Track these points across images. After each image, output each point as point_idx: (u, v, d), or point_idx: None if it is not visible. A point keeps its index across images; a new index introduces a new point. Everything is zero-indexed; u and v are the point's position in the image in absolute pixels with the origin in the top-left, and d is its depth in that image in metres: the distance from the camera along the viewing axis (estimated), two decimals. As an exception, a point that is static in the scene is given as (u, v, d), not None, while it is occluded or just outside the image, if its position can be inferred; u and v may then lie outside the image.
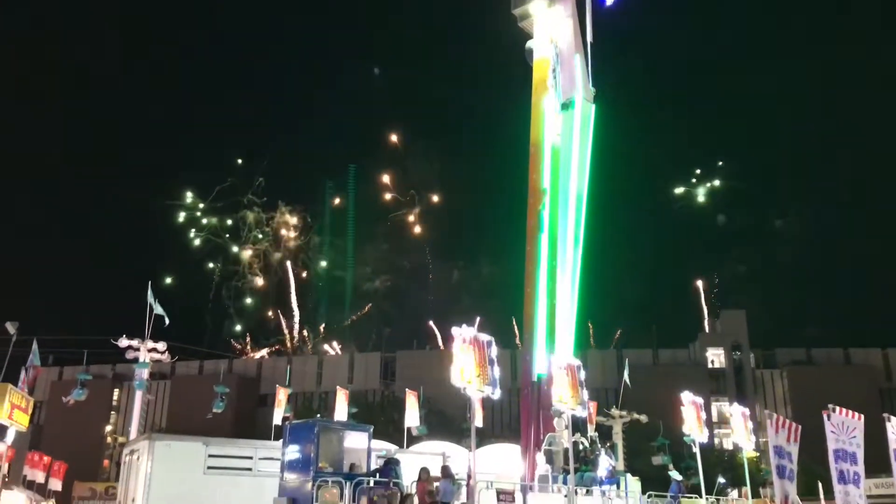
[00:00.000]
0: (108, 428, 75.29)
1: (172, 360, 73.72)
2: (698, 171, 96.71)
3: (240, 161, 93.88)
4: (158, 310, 35.83)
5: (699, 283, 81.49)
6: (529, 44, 25.50)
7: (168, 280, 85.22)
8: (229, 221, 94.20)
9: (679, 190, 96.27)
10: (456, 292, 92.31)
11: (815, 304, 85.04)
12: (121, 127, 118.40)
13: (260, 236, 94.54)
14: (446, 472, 16.10)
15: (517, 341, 63.64)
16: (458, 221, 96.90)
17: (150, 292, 37.19)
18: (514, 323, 65.02)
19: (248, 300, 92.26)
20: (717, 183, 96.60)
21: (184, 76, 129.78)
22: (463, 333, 15.07)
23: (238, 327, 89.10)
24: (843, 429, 17.75)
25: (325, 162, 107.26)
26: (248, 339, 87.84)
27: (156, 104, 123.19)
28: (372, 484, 15.63)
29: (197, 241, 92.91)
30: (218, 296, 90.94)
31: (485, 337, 15.41)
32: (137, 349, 36.79)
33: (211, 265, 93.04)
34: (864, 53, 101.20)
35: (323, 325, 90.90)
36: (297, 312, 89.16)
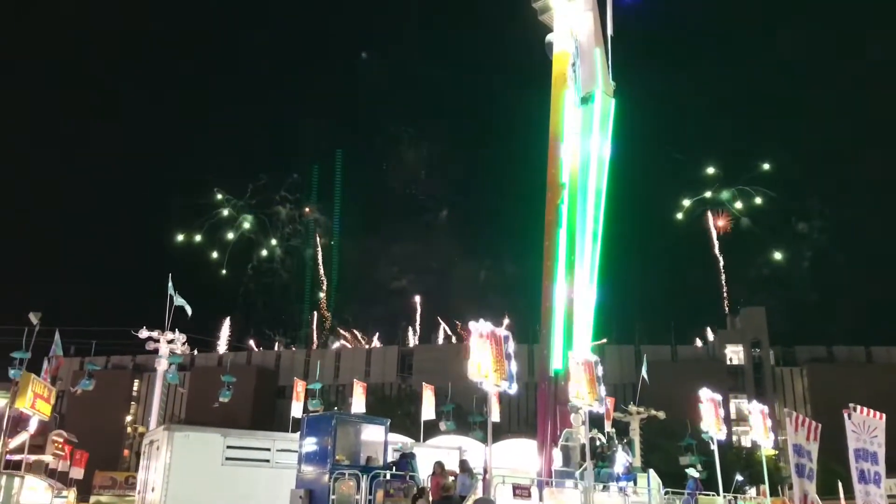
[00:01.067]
0: (129, 418, 76.16)
1: (191, 352, 74.62)
2: (720, 168, 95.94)
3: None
4: (179, 301, 36.06)
5: (720, 279, 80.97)
6: (549, 37, 25.35)
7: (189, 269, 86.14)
8: (246, 221, 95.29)
9: (699, 191, 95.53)
10: (475, 287, 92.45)
11: (837, 301, 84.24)
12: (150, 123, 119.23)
13: (289, 232, 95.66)
14: (464, 466, 16.12)
15: (535, 335, 63.55)
16: (480, 216, 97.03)
17: (170, 284, 37.45)
18: (531, 318, 64.97)
19: (272, 293, 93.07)
20: (739, 179, 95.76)
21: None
22: (480, 328, 15.05)
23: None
24: (864, 428, 17.55)
25: (353, 158, 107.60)
26: (271, 333, 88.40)
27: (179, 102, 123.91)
28: (388, 477, 15.68)
29: (230, 235, 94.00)
30: (246, 290, 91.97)
31: (502, 331, 15.38)
32: (157, 340, 37.06)
33: (236, 259, 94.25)
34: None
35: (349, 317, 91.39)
36: (324, 303, 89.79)
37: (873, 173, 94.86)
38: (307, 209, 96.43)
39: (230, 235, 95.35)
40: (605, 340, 30.98)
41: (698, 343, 76.78)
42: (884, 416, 18.08)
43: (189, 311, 36.46)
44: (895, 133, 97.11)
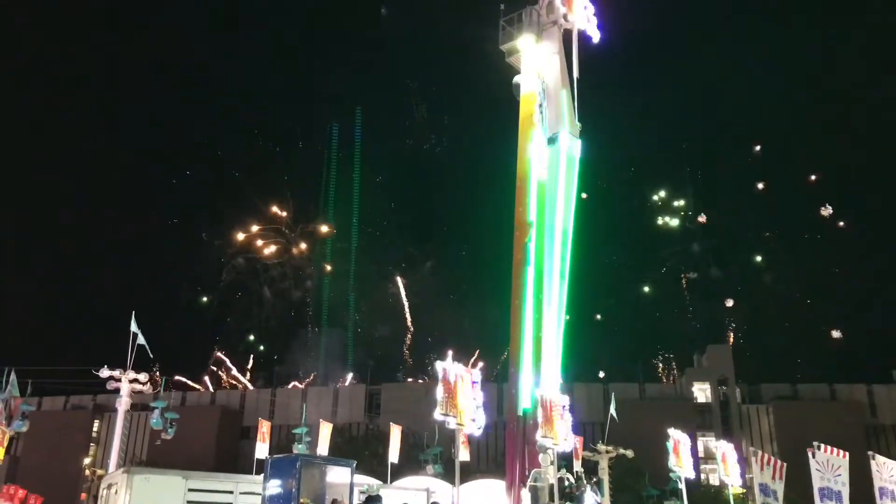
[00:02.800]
0: (87, 460, 73.91)
1: (155, 391, 73.02)
2: (684, 207, 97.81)
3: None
4: (141, 340, 35.34)
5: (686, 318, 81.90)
6: (517, 79, 25.78)
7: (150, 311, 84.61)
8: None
9: (663, 221, 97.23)
10: (444, 326, 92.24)
11: (801, 339, 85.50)
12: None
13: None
14: (434, 508, 15.93)
15: (504, 374, 63.45)
16: (448, 256, 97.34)
17: (133, 322, 36.76)
18: (499, 357, 64.93)
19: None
20: (702, 219, 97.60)
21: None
22: (447, 367, 14.98)
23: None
24: (829, 467, 17.70)
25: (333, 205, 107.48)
26: (231, 369, 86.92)
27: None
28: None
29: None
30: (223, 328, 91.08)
31: (470, 371, 15.33)
32: (119, 380, 36.18)
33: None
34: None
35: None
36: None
37: (840, 214, 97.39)
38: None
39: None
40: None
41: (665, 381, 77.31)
42: (847, 454, 18.27)
43: (149, 350, 35.70)
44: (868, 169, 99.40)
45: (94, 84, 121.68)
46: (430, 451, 33.19)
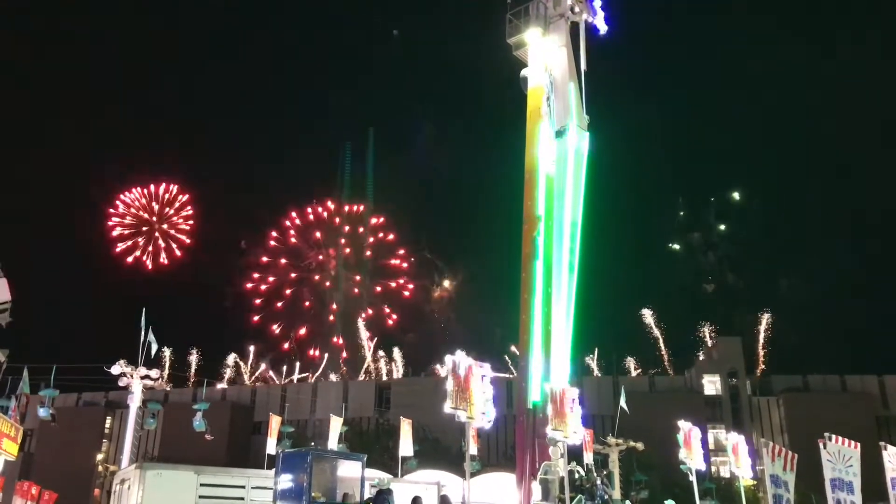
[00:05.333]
0: (100, 456, 74.40)
1: (165, 388, 73.43)
2: (695, 199, 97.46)
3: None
4: (151, 337, 35.58)
5: (695, 309, 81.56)
6: (524, 72, 25.72)
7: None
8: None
9: (675, 217, 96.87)
10: (453, 320, 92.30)
11: (812, 330, 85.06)
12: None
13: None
14: (445, 501, 15.96)
15: (513, 368, 63.51)
16: (457, 249, 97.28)
17: (143, 318, 37.01)
18: (509, 350, 64.95)
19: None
20: (713, 211, 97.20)
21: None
22: (457, 361, 15.00)
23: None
24: (840, 457, 17.65)
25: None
26: (242, 364, 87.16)
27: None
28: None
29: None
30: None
31: (480, 365, 15.34)
32: (130, 377, 36.46)
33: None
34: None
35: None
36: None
37: (853, 203, 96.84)
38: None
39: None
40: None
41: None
42: (858, 445, 18.20)
43: (155, 347, 35.93)
44: (876, 164, 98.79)
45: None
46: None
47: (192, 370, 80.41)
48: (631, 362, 76.35)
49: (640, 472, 42.63)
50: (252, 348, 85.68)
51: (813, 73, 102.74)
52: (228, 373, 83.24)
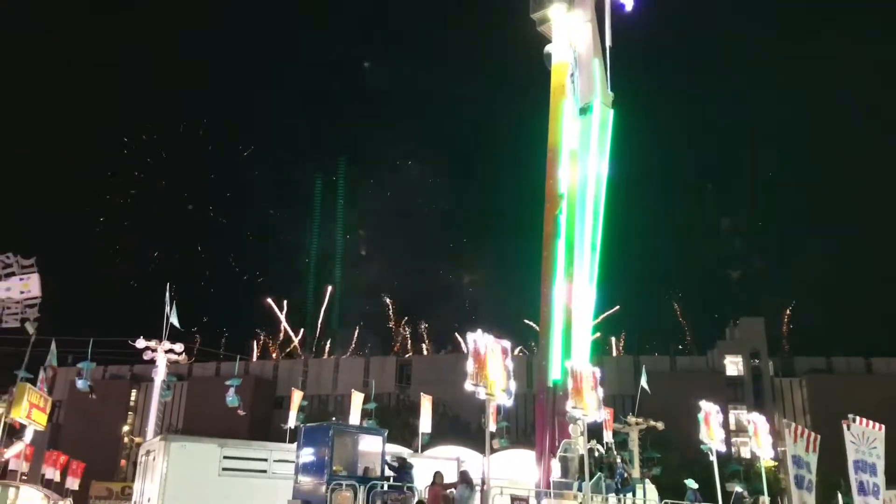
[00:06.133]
0: (126, 428, 75.86)
1: (190, 362, 74.34)
2: (719, 180, 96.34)
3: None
4: (174, 317, 36.00)
5: (717, 288, 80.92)
6: (548, 48, 25.36)
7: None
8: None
9: (703, 199, 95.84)
10: (475, 298, 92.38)
11: (836, 312, 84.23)
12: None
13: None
14: (465, 476, 16.03)
15: (533, 346, 63.53)
16: (480, 227, 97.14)
17: (167, 293, 37.42)
18: (530, 329, 64.90)
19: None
20: (738, 191, 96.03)
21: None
22: (478, 338, 15.01)
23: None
24: (864, 439, 17.49)
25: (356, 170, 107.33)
26: (265, 340, 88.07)
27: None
28: (385, 488, 15.60)
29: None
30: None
31: (500, 342, 15.34)
32: (155, 350, 36.96)
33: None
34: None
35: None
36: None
37: (881, 187, 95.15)
38: None
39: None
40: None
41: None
42: (883, 427, 18.02)
43: (176, 323, 36.32)
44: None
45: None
46: (497, 424, 33.01)
47: (221, 347, 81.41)
48: (653, 342, 76.15)
49: (653, 450, 42.58)
50: (284, 321, 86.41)
51: (846, 55, 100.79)
52: (255, 348, 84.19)
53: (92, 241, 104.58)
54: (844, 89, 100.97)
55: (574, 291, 22.56)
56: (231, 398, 34.86)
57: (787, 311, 77.45)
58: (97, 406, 68.22)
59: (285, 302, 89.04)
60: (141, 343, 36.82)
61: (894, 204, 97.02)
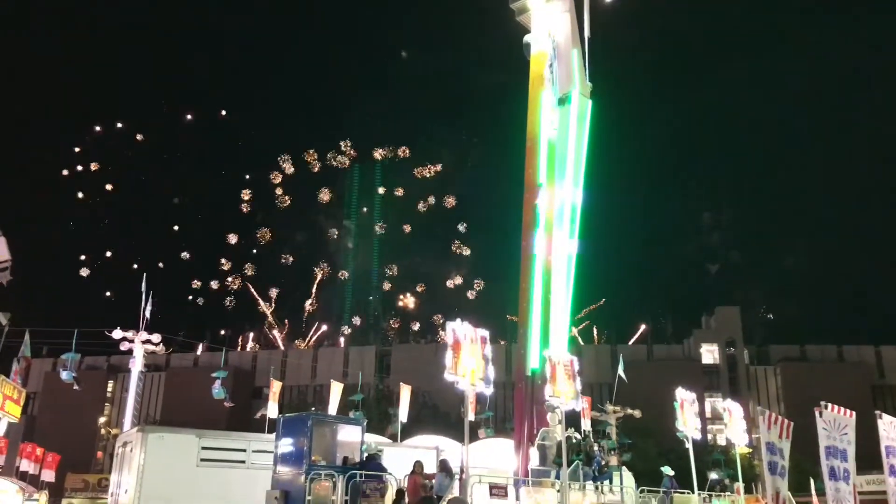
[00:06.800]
0: (102, 419, 75.21)
1: (167, 353, 73.79)
2: (698, 172, 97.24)
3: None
4: (149, 306, 35.77)
5: (694, 278, 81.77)
6: (527, 38, 25.41)
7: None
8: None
9: (681, 191, 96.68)
10: (454, 287, 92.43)
11: (810, 301, 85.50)
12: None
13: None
14: (444, 465, 16.10)
15: (513, 335, 63.79)
16: (457, 216, 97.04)
17: (144, 283, 37.13)
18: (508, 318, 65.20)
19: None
20: (717, 184, 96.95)
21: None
22: (457, 328, 15.05)
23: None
24: (835, 426, 17.80)
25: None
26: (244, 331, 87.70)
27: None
28: (364, 477, 15.62)
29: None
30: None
31: (479, 331, 15.39)
32: (132, 341, 36.66)
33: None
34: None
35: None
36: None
37: (852, 177, 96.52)
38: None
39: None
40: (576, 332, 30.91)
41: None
42: (853, 413, 18.35)
43: (149, 312, 36.10)
44: (874, 138, 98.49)
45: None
46: (481, 415, 33.22)
47: (206, 338, 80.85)
48: (630, 330, 76.82)
49: (626, 437, 43.15)
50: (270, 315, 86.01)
51: (826, 53, 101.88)
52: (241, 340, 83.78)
53: (68, 231, 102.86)
54: (823, 85, 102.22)
55: (553, 281, 22.71)
56: (217, 390, 34.68)
57: (761, 300, 78.48)
58: (73, 397, 67.49)
59: (274, 291, 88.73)
60: (118, 334, 36.50)
61: (865, 198, 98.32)
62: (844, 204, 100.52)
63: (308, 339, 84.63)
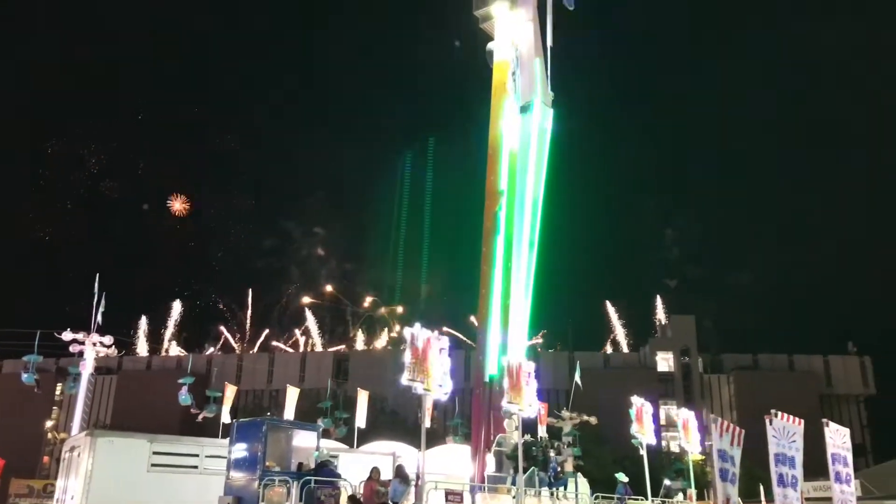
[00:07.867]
0: (50, 423, 73.22)
1: (119, 356, 72.24)
2: (658, 184, 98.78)
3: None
4: (101, 307, 35.01)
5: (651, 289, 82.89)
6: (490, 45, 25.54)
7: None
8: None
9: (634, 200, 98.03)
10: (413, 293, 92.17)
11: (762, 310, 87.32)
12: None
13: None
14: (399, 472, 16.01)
15: (472, 341, 63.85)
16: (419, 222, 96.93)
17: (97, 284, 36.30)
18: (468, 323, 65.25)
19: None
20: (671, 192, 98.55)
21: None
22: (416, 332, 14.99)
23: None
24: (784, 433, 18.15)
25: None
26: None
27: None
28: (317, 483, 15.46)
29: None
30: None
31: (438, 337, 15.35)
32: (82, 343, 35.77)
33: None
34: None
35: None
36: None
37: (815, 184, 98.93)
38: None
39: None
40: (540, 339, 31.12)
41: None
42: (802, 421, 18.73)
43: (99, 318, 35.36)
44: (834, 147, 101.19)
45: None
46: (450, 422, 33.29)
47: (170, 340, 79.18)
48: (587, 339, 77.50)
49: (583, 445, 43.59)
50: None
51: (788, 59, 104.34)
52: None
53: (21, 235, 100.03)
54: (786, 94, 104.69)
55: (512, 288, 22.81)
56: (184, 396, 34.19)
57: (717, 310, 79.87)
58: (19, 400, 65.80)
59: (250, 291, 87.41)
60: (68, 335, 35.60)
61: (819, 212, 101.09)
62: (795, 219, 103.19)
63: (259, 342, 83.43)
